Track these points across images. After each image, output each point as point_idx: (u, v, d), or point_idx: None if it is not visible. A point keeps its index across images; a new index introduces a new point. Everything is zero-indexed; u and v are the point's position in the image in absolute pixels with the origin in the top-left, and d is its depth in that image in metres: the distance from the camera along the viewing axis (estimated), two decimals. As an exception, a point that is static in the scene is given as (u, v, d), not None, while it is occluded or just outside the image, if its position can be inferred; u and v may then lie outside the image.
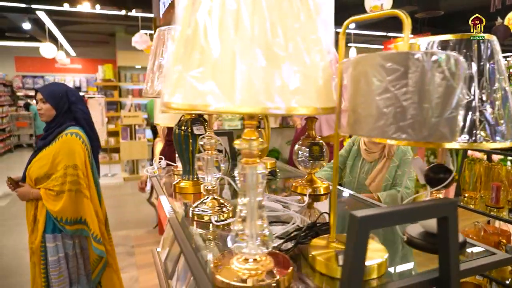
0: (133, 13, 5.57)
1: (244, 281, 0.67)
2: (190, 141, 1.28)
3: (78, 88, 11.80)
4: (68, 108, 2.12)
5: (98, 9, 5.39)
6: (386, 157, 1.96)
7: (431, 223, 0.86)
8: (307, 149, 1.30)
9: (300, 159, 1.32)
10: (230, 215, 1.05)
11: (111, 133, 8.23)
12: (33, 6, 5.16)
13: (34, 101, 10.99)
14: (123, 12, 5.58)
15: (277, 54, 0.52)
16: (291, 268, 0.71)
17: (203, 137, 1.04)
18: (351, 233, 0.58)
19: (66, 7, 5.10)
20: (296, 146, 1.34)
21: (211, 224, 1.03)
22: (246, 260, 0.70)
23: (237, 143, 0.68)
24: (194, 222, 1.06)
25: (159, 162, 1.72)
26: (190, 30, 0.56)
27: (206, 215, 1.05)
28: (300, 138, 1.31)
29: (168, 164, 1.81)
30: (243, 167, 0.68)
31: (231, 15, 0.52)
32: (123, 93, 8.92)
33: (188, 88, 0.55)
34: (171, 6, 3.82)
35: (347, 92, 0.65)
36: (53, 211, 1.99)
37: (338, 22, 0.85)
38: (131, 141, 6.96)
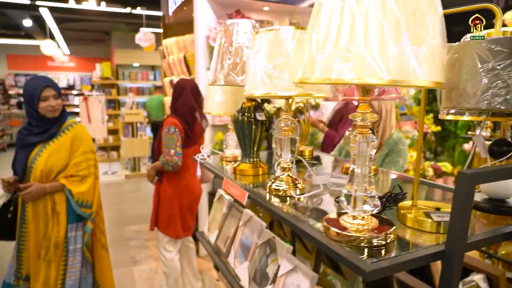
0: (138, 10, 5.61)
1: (359, 231, 0.79)
2: (253, 126, 1.39)
3: (72, 87, 11.69)
4: None
5: (103, 7, 5.42)
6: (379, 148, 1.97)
7: (493, 189, 1.01)
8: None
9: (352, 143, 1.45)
10: (305, 190, 1.17)
11: (110, 131, 8.22)
12: (38, 2, 5.15)
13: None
14: (128, 10, 5.61)
15: (418, 34, 0.64)
16: (393, 225, 0.84)
17: (281, 120, 1.16)
18: (461, 187, 0.71)
19: (71, 4, 5.11)
20: (347, 132, 1.46)
21: (288, 198, 1.14)
22: (354, 217, 0.82)
23: (353, 115, 0.80)
24: (272, 196, 1.17)
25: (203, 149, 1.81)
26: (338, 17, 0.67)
27: (283, 189, 1.16)
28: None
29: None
30: (358, 136, 0.80)
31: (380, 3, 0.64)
32: (121, 91, 8.91)
33: (340, 65, 0.66)
34: (184, 4, 3.90)
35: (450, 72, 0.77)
36: (78, 194, 2.05)
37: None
38: (133, 139, 6.99)
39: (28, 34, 8.89)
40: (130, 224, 4.55)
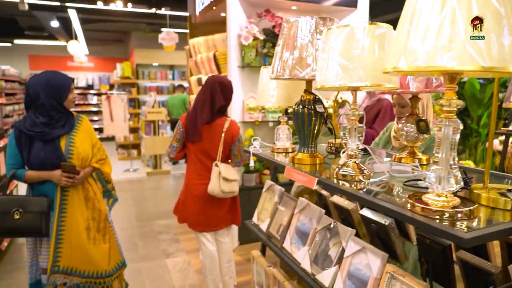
0: (162, 11, 5.73)
1: (444, 207, 0.87)
2: (313, 118, 1.47)
3: (91, 86, 11.93)
4: None
5: (129, 7, 5.56)
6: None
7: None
8: (413, 125, 1.49)
9: (404, 134, 1.52)
10: (370, 175, 1.25)
11: (130, 130, 8.37)
12: (67, 4, 5.31)
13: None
14: (152, 10, 5.74)
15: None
16: (475, 203, 0.91)
17: (349, 110, 1.24)
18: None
19: (99, 5, 5.26)
20: (399, 125, 1.54)
21: (356, 183, 1.22)
22: (439, 195, 0.90)
23: (440, 102, 0.87)
24: (340, 182, 1.25)
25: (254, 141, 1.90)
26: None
27: (351, 175, 1.24)
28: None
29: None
30: (443, 121, 0.87)
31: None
32: (140, 90, 9.07)
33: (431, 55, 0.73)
34: (214, 4, 4.00)
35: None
36: (107, 174, 2.37)
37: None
38: (154, 137, 7.13)
39: (50, 35, 9.10)
40: (157, 219, 4.67)
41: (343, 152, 1.30)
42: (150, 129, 7.12)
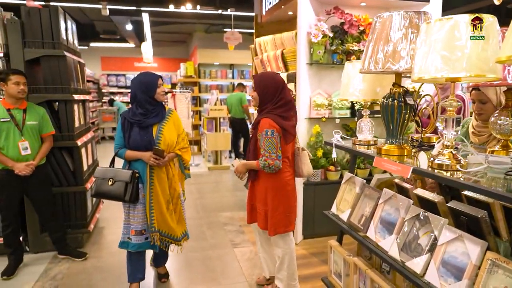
0: (228, 12, 5.96)
1: None
2: (403, 111, 1.51)
3: (155, 85, 12.63)
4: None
5: (198, 9, 5.86)
6: (494, 138, 1.86)
7: None
8: (507, 118, 1.47)
9: (498, 127, 1.50)
10: (466, 164, 1.26)
11: (192, 126, 8.80)
12: (142, 8, 5.73)
13: (117, 97, 11.96)
14: (219, 11, 5.99)
15: None
16: None
17: (446, 101, 1.26)
18: None
19: (171, 8, 5.61)
20: (492, 119, 1.52)
21: (453, 172, 1.24)
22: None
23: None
24: (435, 171, 1.28)
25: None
26: None
27: (447, 164, 1.26)
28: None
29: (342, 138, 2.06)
30: None
31: None
32: (202, 88, 9.47)
33: None
34: (282, 3, 4.10)
35: None
36: (187, 161, 2.80)
37: None
38: (216, 133, 7.42)
39: (121, 38, 9.83)
40: (222, 211, 4.88)
41: (438, 142, 1.33)
42: (212, 126, 7.43)
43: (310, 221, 3.82)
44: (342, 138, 2.01)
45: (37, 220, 3.49)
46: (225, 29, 8.78)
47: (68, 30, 3.78)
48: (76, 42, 4.17)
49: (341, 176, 3.87)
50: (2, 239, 3.21)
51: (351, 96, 1.85)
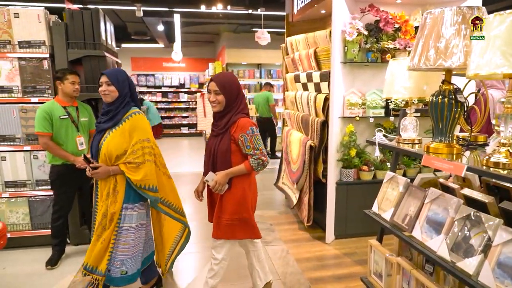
0: (258, 12, 6.00)
1: None
2: (454, 108, 1.48)
3: (182, 85, 12.88)
4: (128, 91, 2.35)
5: (228, 9, 5.93)
6: None
7: None
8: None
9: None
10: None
11: (219, 125, 8.88)
12: (175, 9, 5.85)
13: (146, 96, 12.24)
14: (249, 11, 6.04)
15: None
16: None
17: (503, 98, 1.23)
18: None
19: (202, 8, 5.70)
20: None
21: (508, 170, 1.21)
22: None
23: None
24: (491, 169, 1.25)
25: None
26: None
27: (504, 162, 1.23)
28: None
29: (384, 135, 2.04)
30: None
31: None
32: (229, 88, 9.57)
33: None
34: (315, 1, 4.08)
35: None
36: (137, 181, 2.24)
37: None
38: (244, 132, 7.46)
39: (151, 39, 10.06)
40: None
41: (494, 140, 1.29)
42: (240, 125, 7.48)
43: (342, 221, 3.79)
44: (385, 136, 1.98)
45: (78, 213, 3.64)
46: (253, 29, 8.82)
47: (107, 31, 3.91)
48: (113, 43, 4.31)
49: (375, 176, 3.81)
50: (50, 230, 3.36)
51: (396, 93, 1.83)
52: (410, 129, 1.84)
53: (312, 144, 3.79)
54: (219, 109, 2.22)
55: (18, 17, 3.32)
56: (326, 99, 3.72)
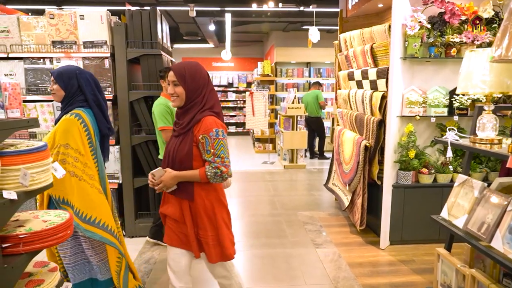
0: (310, 8, 5.88)
1: None
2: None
3: (231, 84, 13.05)
4: (77, 89, 2.16)
5: (280, 7, 5.87)
6: None
7: None
8: None
9: None
10: None
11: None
12: (226, 8, 5.91)
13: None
14: (301, 8, 5.94)
15: None
16: None
17: None
18: None
19: (254, 7, 5.70)
20: None
21: None
22: None
23: None
24: None
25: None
26: None
27: None
28: None
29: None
30: None
31: None
32: (278, 87, 9.51)
33: None
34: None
35: None
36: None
37: None
38: (293, 132, 7.38)
39: (202, 39, 10.28)
40: (300, 210, 4.82)
41: None
42: (289, 124, 7.40)
43: (397, 226, 3.58)
44: (460, 137, 1.81)
45: (133, 207, 3.78)
46: (303, 27, 8.69)
47: (163, 31, 4.02)
48: (168, 42, 4.42)
49: (435, 180, 3.57)
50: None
51: (474, 88, 1.66)
52: (488, 128, 1.66)
53: (367, 144, 3.62)
54: (179, 104, 1.88)
55: (83, 18, 3.50)
56: (384, 97, 3.54)
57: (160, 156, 3.39)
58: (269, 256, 3.48)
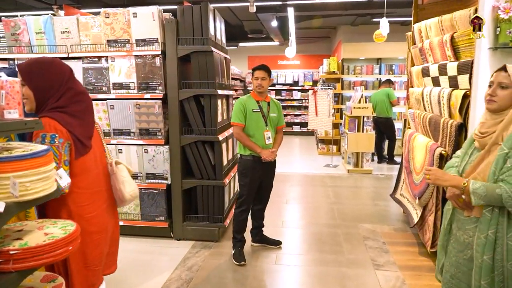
0: (380, -2, 5.31)
1: None
2: None
3: (296, 83, 12.70)
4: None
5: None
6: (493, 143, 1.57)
7: None
8: None
9: None
10: None
11: (332, 125, 8.34)
12: (288, 2, 5.59)
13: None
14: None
15: None
16: None
17: None
18: None
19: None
20: None
21: None
22: None
23: None
24: None
25: None
26: None
27: None
28: None
29: None
30: None
31: None
32: (344, 85, 8.93)
33: None
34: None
35: None
36: None
37: None
38: (358, 133, 6.82)
39: (267, 37, 10.08)
40: (362, 222, 4.34)
41: None
42: (355, 125, 6.85)
43: None
44: None
45: (181, 209, 3.67)
46: (373, 19, 8.01)
47: (216, 27, 3.84)
48: (223, 39, 4.24)
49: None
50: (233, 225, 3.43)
51: None
52: None
53: (443, 152, 3.05)
54: (29, 109, 1.62)
55: (136, 16, 3.46)
56: (466, 96, 2.95)
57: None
58: (320, 274, 3.11)
